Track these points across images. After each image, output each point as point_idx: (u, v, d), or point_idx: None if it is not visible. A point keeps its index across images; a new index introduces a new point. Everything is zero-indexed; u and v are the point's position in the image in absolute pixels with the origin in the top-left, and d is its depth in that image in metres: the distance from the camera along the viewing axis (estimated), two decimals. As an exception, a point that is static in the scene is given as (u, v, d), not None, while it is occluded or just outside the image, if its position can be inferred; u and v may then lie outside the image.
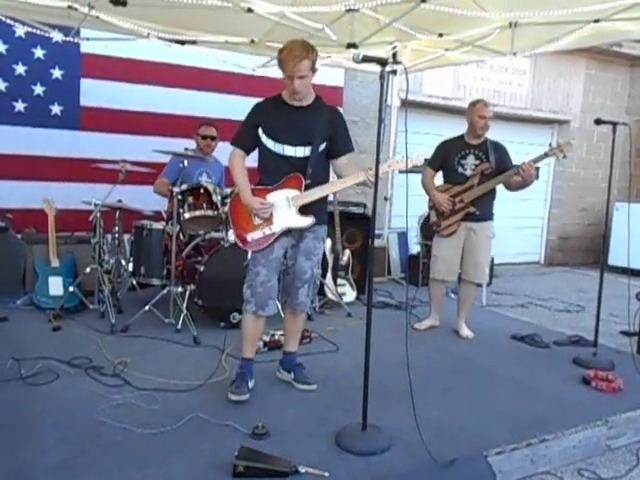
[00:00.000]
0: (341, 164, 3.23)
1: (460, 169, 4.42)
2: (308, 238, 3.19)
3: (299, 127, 3.10)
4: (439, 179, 4.61)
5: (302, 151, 3.12)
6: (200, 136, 4.97)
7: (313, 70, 3.01)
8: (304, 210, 3.10)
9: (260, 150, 3.19)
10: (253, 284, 3.10)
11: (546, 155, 4.23)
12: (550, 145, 4.26)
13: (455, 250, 4.47)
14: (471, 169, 4.39)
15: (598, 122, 3.91)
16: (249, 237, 3.11)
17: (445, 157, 4.46)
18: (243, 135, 3.20)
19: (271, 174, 3.14)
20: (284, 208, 3.10)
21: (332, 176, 3.32)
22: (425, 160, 3.29)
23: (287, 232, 3.13)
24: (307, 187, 3.10)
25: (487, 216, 4.46)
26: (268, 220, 3.09)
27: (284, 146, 3.10)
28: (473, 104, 4.48)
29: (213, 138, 5.00)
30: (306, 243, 3.20)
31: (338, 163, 3.23)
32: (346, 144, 3.26)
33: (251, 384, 3.18)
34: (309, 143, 3.12)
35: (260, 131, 3.13)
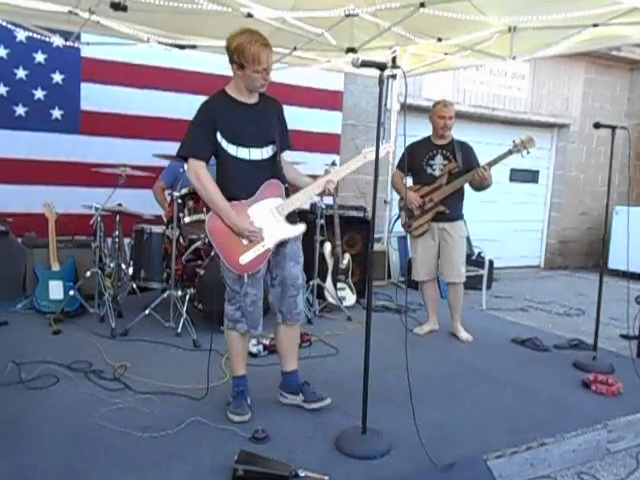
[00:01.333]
0: (284, 164, 3.03)
1: (429, 169, 4.48)
2: (291, 242, 2.95)
3: (258, 125, 2.86)
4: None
5: (266, 152, 2.88)
6: None
7: None
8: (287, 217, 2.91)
9: (219, 159, 2.85)
10: (242, 305, 2.89)
11: (510, 152, 4.28)
12: (514, 142, 4.29)
13: (430, 251, 4.53)
14: (440, 169, 4.45)
15: (597, 126, 3.92)
16: (242, 260, 2.82)
17: (413, 159, 4.49)
18: (200, 142, 2.79)
19: (239, 185, 2.83)
20: (271, 220, 2.86)
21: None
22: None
23: None
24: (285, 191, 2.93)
25: (457, 215, 4.52)
26: (257, 237, 2.84)
27: (250, 150, 2.83)
28: (434, 105, 4.57)
29: None
30: (291, 247, 2.96)
31: (281, 161, 3.00)
32: (289, 139, 3.07)
33: (249, 400, 3.00)
34: (271, 142, 2.89)
35: (219, 136, 2.81)
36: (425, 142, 4.59)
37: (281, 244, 2.93)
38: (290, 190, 3.01)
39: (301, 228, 2.97)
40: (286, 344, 3.11)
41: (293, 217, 2.96)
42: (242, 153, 2.84)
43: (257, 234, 2.82)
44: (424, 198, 4.45)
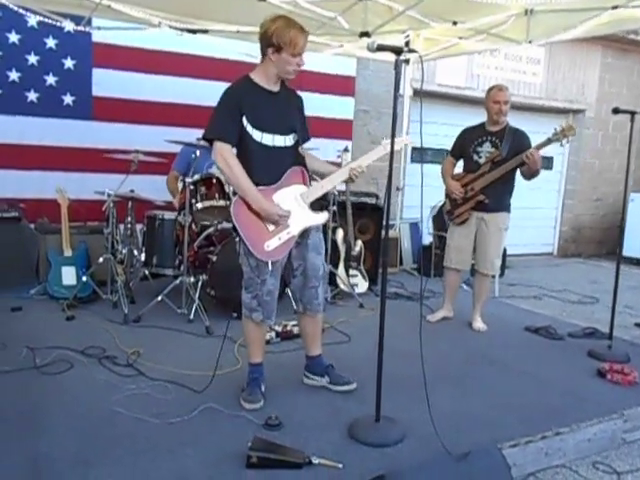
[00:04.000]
0: (307, 153, 3.05)
1: (475, 156, 4.37)
2: (313, 232, 2.97)
3: (282, 113, 2.86)
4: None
5: (289, 139, 2.88)
6: None
7: None
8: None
9: (242, 144, 2.81)
10: (259, 294, 2.87)
11: (549, 141, 4.12)
12: (555, 129, 4.13)
13: (467, 239, 4.44)
14: (485, 157, 4.33)
15: (616, 111, 3.83)
16: (267, 247, 2.80)
17: (463, 145, 4.42)
18: (227, 125, 2.76)
19: (263, 171, 2.81)
20: (295, 207, 2.87)
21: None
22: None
23: None
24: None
25: (500, 207, 4.37)
26: (283, 223, 2.84)
27: (274, 136, 2.82)
28: (488, 90, 4.44)
29: None
30: (313, 238, 2.97)
31: (304, 152, 3.03)
32: (307, 131, 3.08)
33: (263, 388, 2.99)
34: (293, 130, 2.90)
35: (244, 120, 2.78)
36: (478, 128, 4.45)
37: (303, 234, 2.93)
38: (311, 178, 3.03)
39: (324, 216, 2.99)
40: (310, 332, 3.16)
41: (316, 205, 2.98)
42: (266, 139, 2.82)
43: (286, 218, 2.82)
44: (466, 186, 4.36)
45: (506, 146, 4.24)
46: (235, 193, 2.86)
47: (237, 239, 2.94)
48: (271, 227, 2.83)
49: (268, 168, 2.82)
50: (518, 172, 4.33)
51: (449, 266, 4.57)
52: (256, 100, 2.81)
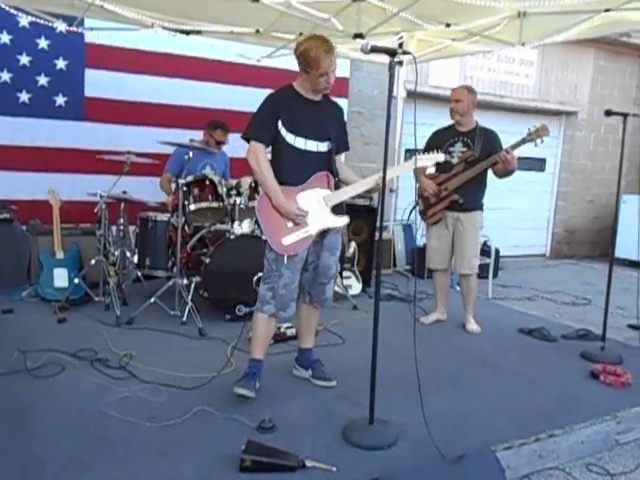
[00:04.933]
0: (339, 164, 3.18)
1: (448, 157, 4.37)
2: (331, 234, 3.12)
3: (318, 121, 3.03)
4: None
5: (323, 146, 3.04)
6: (213, 138, 4.98)
7: None
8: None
9: (276, 145, 3.01)
10: (275, 286, 2.98)
11: (524, 141, 4.16)
12: (528, 130, 4.17)
13: (444, 239, 4.47)
14: (458, 157, 4.36)
15: (608, 113, 3.85)
16: (285, 241, 2.95)
17: (436, 145, 4.42)
18: (262, 127, 2.97)
19: (292, 171, 2.99)
20: (317, 208, 3.01)
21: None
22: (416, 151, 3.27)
23: None
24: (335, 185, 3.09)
25: (474, 206, 4.41)
26: (302, 222, 2.98)
27: (307, 141, 3.00)
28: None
29: (225, 142, 5.04)
30: (329, 239, 3.12)
31: (337, 161, 3.17)
32: (346, 142, 3.26)
33: (258, 384, 3.03)
34: (328, 138, 3.05)
35: (280, 124, 2.97)
36: (449, 129, 4.49)
37: (322, 234, 3.07)
38: (341, 186, 3.17)
39: (344, 220, 3.11)
40: (306, 323, 3.32)
41: (339, 209, 3.09)
42: (299, 143, 2.99)
43: (302, 218, 2.96)
44: (440, 186, 4.38)
45: (478, 146, 4.29)
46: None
47: (262, 235, 3.05)
48: (290, 224, 2.97)
49: (297, 169, 3.00)
50: (490, 172, 4.36)
51: (430, 267, 4.62)
52: (294, 106, 2.99)
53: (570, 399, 3.24)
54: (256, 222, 3.08)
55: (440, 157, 3.25)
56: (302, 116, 2.99)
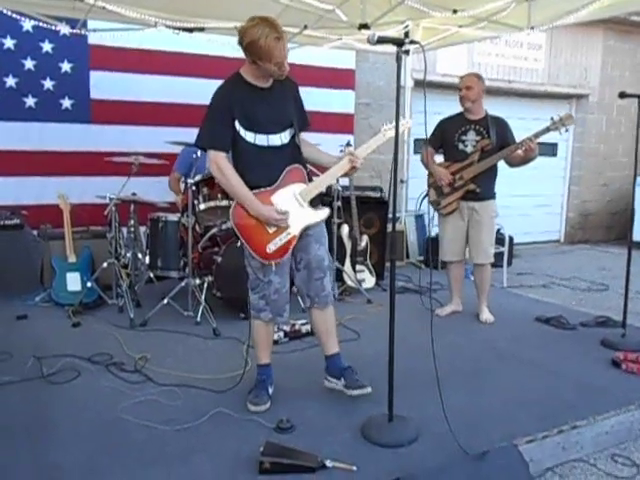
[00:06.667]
0: (302, 142, 2.92)
1: (461, 145, 4.31)
2: (314, 226, 2.90)
3: (276, 109, 2.78)
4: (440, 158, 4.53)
5: (285, 137, 2.82)
6: None
7: None
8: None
9: (237, 146, 2.78)
10: (266, 294, 2.86)
11: (548, 129, 4.06)
12: (552, 119, 4.07)
13: (459, 230, 4.40)
14: (472, 145, 4.27)
15: (623, 95, 3.75)
16: (269, 249, 2.78)
17: (444, 134, 4.36)
18: (219, 132, 2.73)
19: (259, 172, 2.77)
20: (295, 206, 2.82)
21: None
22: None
23: None
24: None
25: (489, 195, 4.36)
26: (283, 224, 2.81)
27: (268, 136, 2.77)
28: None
29: None
30: (314, 230, 2.90)
31: (303, 142, 2.93)
32: (306, 118, 2.97)
33: (271, 390, 2.97)
34: (289, 125, 2.82)
35: (237, 124, 2.73)
36: (457, 118, 4.40)
37: (305, 228, 2.87)
38: (312, 172, 2.98)
39: (325, 213, 2.91)
40: (322, 328, 3.04)
41: (316, 202, 2.91)
42: (260, 140, 2.77)
43: (285, 220, 2.77)
44: (454, 175, 4.30)
45: (493, 134, 4.21)
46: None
47: (239, 243, 2.91)
48: (272, 229, 2.80)
49: (265, 169, 2.78)
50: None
51: (443, 259, 4.56)
52: (247, 100, 2.75)
53: (592, 389, 3.18)
54: (234, 233, 2.87)
55: (409, 123, 3.05)
56: (258, 109, 2.74)
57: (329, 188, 5.10)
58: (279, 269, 2.85)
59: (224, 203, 4.33)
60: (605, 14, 4.84)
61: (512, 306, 4.99)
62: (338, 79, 6.76)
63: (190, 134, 4.89)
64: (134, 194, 4.57)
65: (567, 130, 4.11)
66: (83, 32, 5.09)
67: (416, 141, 7.34)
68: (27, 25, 5.21)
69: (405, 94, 6.61)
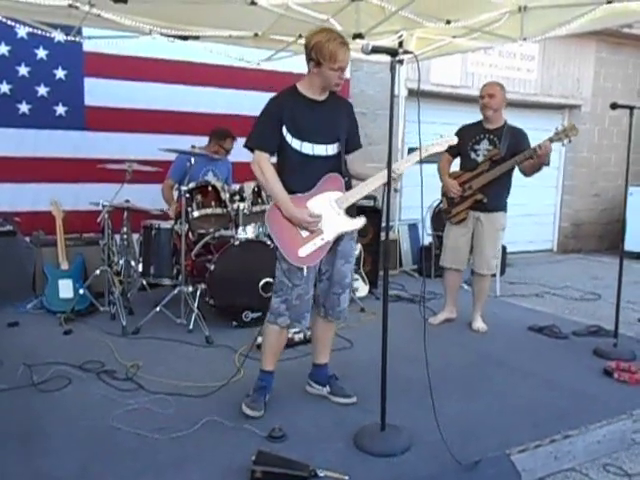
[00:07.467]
0: (354, 160, 3.02)
1: (473, 154, 4.31)
2: (345, 240, 2.95)
3: (326, 123, 2.87)
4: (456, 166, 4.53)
5: (332, 149, 2.89)
6: (224, 148, 4.97)
7: None
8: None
9: (282, 152, 2.87)
10: (289, 298, 2.86)
11: (551, 140, 4.06)
12: (556, 129, 4.08)
13: (463, 239, 4.40)
14: (483, 155, 4.27)
15: (614, 107, 3.80)
16: (301, 253, 2.80)
17: (460, 142, 4.34)
18: (266, 135, 2.83)
19: (300, 178, 2.84)
20: (330, 213, 2.85)
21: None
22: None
23: None
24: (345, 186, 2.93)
25: (496, 207, 4.32)
26: (317, 229, 2.84)
27: (313, 145, 2.84)
28: None
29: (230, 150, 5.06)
30: (343, 246, 2.95)
31: (351, 159, 3.01)
32: (359, 139, 3.08)
33: (267, 397, 2.98)
34: (337, 139, 2.90)
35: (284, 130, 2.83)
36: (475, 126, 4.39)
37: (336, 240, 2.91)
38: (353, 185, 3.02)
39: (361, 222, 2.94)
40: (322, 338, 3.15)
41: (352, 210, 2.94)
42: (306, 148, 2.84)
43: (316, 224, 2.81)
44: (464, 185, 4.30)
45: (505, 144, 4.18)
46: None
47: (272, 245, 2.95)
48: (305, 233, 2.83)
49: (306, 176, 2.85)
50: (516, 170, 4.27)
51: (443, 266, 4.55)
52: (298, 109, 2.84)
53: (584, 398, 3.19)
54: (268, 235, 2.91)
55: (454, 140, 3.06)
56: (307, 119, 2.83)
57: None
58: (305, 276, 2.86)
59: (218, 211, 4.35)
60: (596, 26, 4.89)
61: (505, 315, 5.00)
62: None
63: (184, 142, 4.94)
64: (127, 201, 4.56)
65: (570, 141, 4.09)
66: (78, 39, 5.08)
67: (410, 150, 7.36)
68: (22, 32, 5.20)
69: (399, 103, 6.63)
